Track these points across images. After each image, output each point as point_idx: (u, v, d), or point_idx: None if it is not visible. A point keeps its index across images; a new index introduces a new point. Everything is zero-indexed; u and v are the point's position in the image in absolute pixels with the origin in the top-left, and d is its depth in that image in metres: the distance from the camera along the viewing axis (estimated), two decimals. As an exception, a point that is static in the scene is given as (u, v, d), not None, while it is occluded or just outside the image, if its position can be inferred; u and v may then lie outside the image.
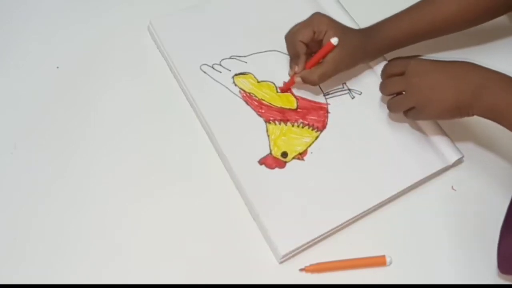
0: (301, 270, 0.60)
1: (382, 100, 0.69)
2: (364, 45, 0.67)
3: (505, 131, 0.58)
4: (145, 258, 0.60)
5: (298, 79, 0.68)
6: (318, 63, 0.66)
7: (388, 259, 0.60)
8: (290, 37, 0.68)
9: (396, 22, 0.68)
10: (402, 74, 0.64)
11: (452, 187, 0.65)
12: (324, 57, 0.66)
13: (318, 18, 0.67)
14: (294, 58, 0.69)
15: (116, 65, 0.72)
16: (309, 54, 0.68)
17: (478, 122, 0.62)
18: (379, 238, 0.62)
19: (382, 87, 0.67)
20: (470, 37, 0.74)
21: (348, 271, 0.60)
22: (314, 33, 0.66)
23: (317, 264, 0.59)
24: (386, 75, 0.66)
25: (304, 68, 0.67)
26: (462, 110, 0.61)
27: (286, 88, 0.70)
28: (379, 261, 0.60)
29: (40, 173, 0.64)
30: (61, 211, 0.62)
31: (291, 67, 0.70)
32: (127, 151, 0.66)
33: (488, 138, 0.68)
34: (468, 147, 0.68)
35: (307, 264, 0.60)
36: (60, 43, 0.74)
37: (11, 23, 0.75)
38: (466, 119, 0.62)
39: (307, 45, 0.67)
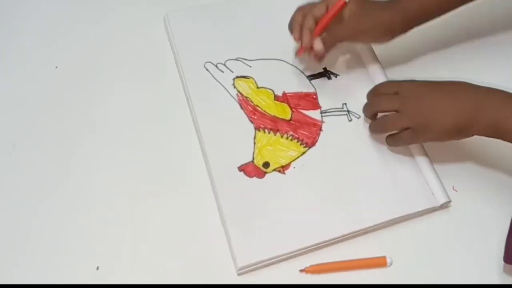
0: (301, 271, 0.58)
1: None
2: (376, 13, 0.63)
3: None
4: (148, 259, 0.59)
5: (318, 44, 0.63)
6: (328, 24, 0.63)
7: (388, 260, 0.59)
8: (304, 10, 0.65)
9: None
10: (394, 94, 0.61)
11: (453, 187, 0.64)
12: (334, 17, 0.63)
13: None
14: (298, 30, 0.65)
15: (113, 66, 0.72)
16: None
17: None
18: (379, 238, 0.61)
19: (370, 105, 0.64)
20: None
21: (348, 272, 0.59)
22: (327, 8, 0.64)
23: (317, 265, 0.58)
24: (377, 92, 0.64)
25: (311, 37, 0.64)
26: (462, 130, 0.58)
27: (299, 53, 0.68)
28: (379, 262, 0.59)
29: (39, 173, 0.64)
30: (60, 211, 0.61)
31: (295, 38, 0.66)
32: (125, 154, 0.65)
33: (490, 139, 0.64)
34: (470, 146, 0.65)
35: (307, 265, 0.58)
36: (60, 43, 0.74)
37: (10, 23, 0.75)
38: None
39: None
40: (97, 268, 0.58)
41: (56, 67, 0.72)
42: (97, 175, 0.64)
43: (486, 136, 0.58)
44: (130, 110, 0.69)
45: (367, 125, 0.66)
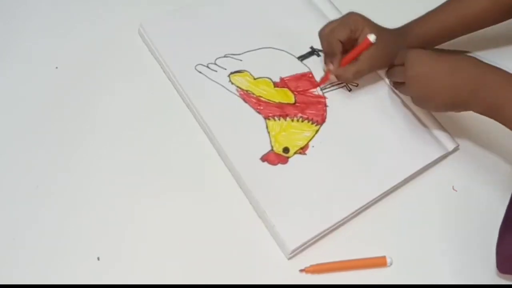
0: (301, 271, 0.59)
1: (379, 90, 0.69)
2: (397, 45, 0.67)
3: (505, 130, 0.58)
4: (148, 259, 0.59)
5: (333, 77, 0.68)
6: (353, 60, 0.66)
7: (388, 260, 0.60)
8: (327, 35, 0.67)
9: (427, 20, 0.68)
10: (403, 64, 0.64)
11: (452, 187, 0.65)
12: (360, 54, 0.66)
13: (355, 16, 0.67)
14: (329, 56, 0.69)
15: (113, 66, 0.72)
16: (343, 52, 0.68)
17: (475, 119, 0.62)
18: (379, 239, 0.62)
19: (387, 74, 0.69)
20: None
21: (348, 272, 0.59)
22: (351, 31, 0.66)
23: (318, 265, 0.59)
24: (390, 65, 0.67)
25: (338, 66, 0.67)
26: (459, 106, 0.61)
27: (321, 83, 0.70)
28: (379, 262, 0.60)
29: (39, 172, 0.63)
30: (59, 211, 0.61)
31: (325, 63, 0.70)
32: (124, 153, 0.66)
33: (487, 137, 0.68)
34: (467, 146, 0.68)
35: (308, 265, 0.59)
36: (59, 44, 0.73)
37: (10, 23, 0.75)
38: (463, 115, 0.63)
39: (343, 43, 0.66)
40: (98, 259, 0.59)
41: (56, 67, 0.71)
42: (97, 174, 0.64)
43: (482, 114, 0.59)
44: (129, 110, 0.69)
45: (367, 91, 0.70)
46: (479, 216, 0.63)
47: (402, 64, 0.63)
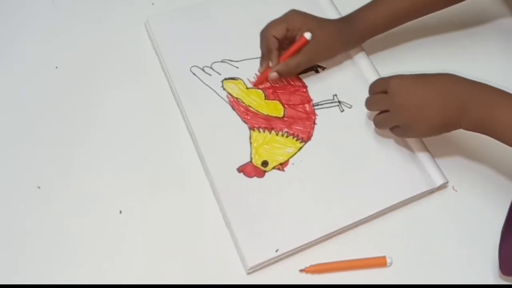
0: (301, 271, 0.59)
1: (372, 115, 0.67)
2: (342, 35, 0.67)
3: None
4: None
5: (273, 74, 0.67)
6: (292, 55, 0.67)
7: (388, 260, 0.59)
8: (264, 32, 0.68)
9: (375, 6, 0.67)
10: (385, 92, 0.62)
11: (453, 187, 0.64)
12: (297, 51, 0.66)
13: (293, 15, 0.67)
14: (266, 54, 0.69)
15: (113, 65, 0.72)
16: (281, 51, 0.68)
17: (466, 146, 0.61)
18: (379, 239, 0.61)
19: (368, 104, 0.65)
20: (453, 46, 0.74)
21: (348, 272, 0.59)
22: (288, 30, 0.66)
23: (317, 265, 0.59)
24: (371, 92, 0.65)
25: (278, 63, 0.67)
26: (449, 126, 0.59)
27: (259, 83, 0.69)
28: (379, 262, 0.59)
29: (39, 172, 0.64)
30: (59, 211, 0.61)
31: (261, 64, 0.70)
32: (120, 151, 0.66)
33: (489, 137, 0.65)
34: (468, 147, 0.66)
35: (307, 265, 0.59)
36: (60, 43, 0.74)
37: (10, 23, 0.75)
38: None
39: (279, 41, 0.66)
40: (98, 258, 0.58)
41: (56, 67, 0.72)
42: (95, 175, 0.64)
43: (473, 131, 0.58)
44: (129, 110, 0.69)
45: (360, 114, 0.67)
46: (480, 216, 0.62)
47: (382, 92, 0.61)
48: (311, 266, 0.58)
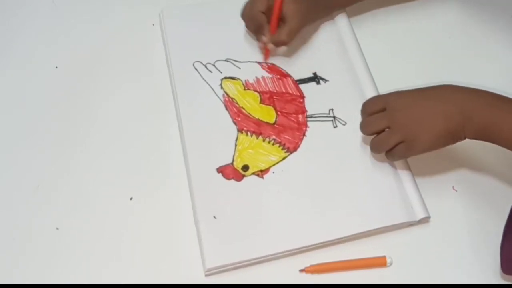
0: (301, 271, 0.58)
1: (365, 137, 0.64)
2: None
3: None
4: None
5: (270, 45, 0.68)
6: (278, 22, 0.67)
7: (388, 260, 0.58)
8: (248, 11, 0.68)
9: None
10: (382, 110, 0.59)
11: (453, 187, 0.63)
12: (280, 10, 0.66)
13: None
14: (257, 31, 0.69)
15: (113, 65, 0.72)
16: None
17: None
18: (379, 238, 0.60)
19: (364, 126, 0.62)
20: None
21: (348, 272, 0.58)
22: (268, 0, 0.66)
23: (317, 264, 0.58)
24: (366, 113, 0.62)
25: (271, 35, 0.67)
26: (454, 134, 0.57)
27: (266, 58, 0.71)
28: (379, 262, 0.58)
29: (38, 172, 0.64)
30: (58, 211, 0.62)
31: (259, 39, 0.70)
32: (117, 151, 0.66)
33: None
34: (469, 147, 0.63)
35: (307, 265, 0.58)
36: (60, 43, 0.74)
37: (10, 23, 0.76)
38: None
39: (266, 14, 0.67)
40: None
41: (56, 67, 0.72)
42: (95, 175, 0.64)
43: (477, 139, 0.57)
44: (130, 109, 0.69)
45: (352, 132, 0.65)
46: (480, 216, 0.62)
47: (379, 111, 0.59)
48: (311, 266, 0.58)
